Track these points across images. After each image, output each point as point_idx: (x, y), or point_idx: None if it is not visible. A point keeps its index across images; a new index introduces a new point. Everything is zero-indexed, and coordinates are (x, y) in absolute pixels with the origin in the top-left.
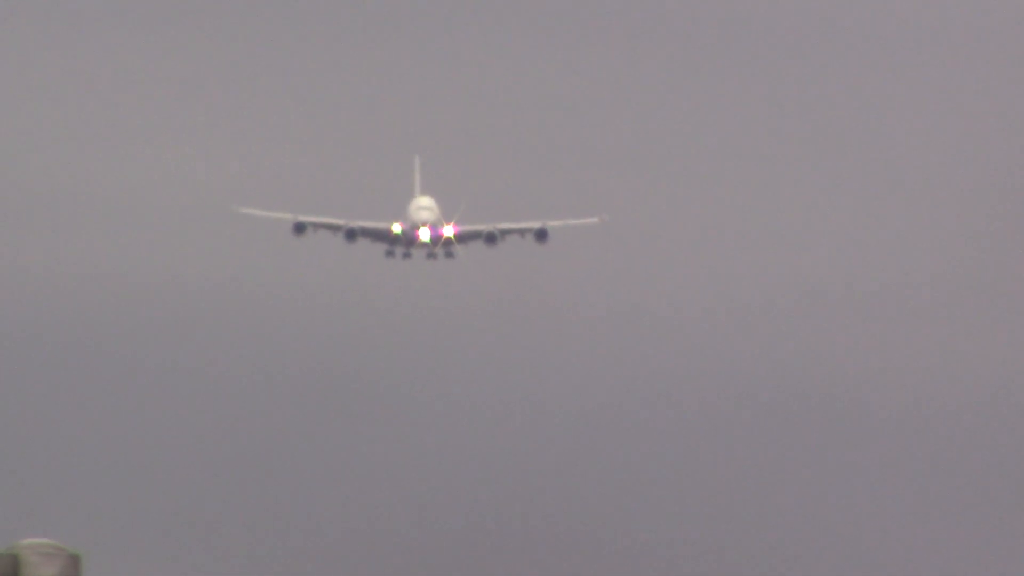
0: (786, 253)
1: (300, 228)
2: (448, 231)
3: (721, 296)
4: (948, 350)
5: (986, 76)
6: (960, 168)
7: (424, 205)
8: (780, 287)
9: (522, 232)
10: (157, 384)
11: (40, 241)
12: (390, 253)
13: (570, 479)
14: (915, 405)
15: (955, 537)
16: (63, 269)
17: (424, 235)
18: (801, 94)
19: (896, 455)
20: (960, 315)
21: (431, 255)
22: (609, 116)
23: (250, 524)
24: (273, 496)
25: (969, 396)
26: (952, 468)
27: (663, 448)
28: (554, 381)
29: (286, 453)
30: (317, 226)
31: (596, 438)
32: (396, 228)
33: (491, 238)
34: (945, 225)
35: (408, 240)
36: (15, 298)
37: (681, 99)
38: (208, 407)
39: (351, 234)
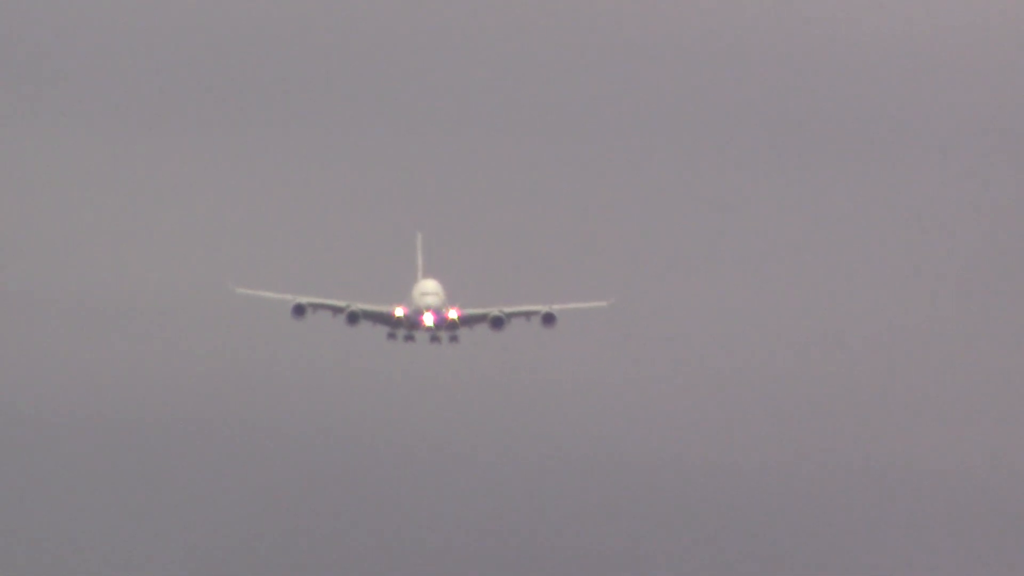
0: (795, 338)
1: (300, 310)
2: (452, 314)
3: (730, 382)
4: (958, 439)
5: (1001, 155)
6: (984, 262)
7: (428, 290)
8: (788, 372)
9: (528, 315)
10: (153, 468)
11: (40, 325)
12: (392, 336)
13: (573, 563)
14: (921, 494)
15: None
16: (58, 354)
17: (428, 320)
18: (810, 178)
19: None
20: (971, 412)
21: (435, 339)
22: (617, 199)
23: None
24: None
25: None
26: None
27: (669, 535)
28: (560, 468)
29: (284, 537)
30: (317, 308)
31: (601, 525)
32: (399, 312)
33: (497, 322)
34: (959, 321)
35: (412, 324)
36: (17, 383)
37: (690, 183)
38: (204, 493)
39: (353, 317)
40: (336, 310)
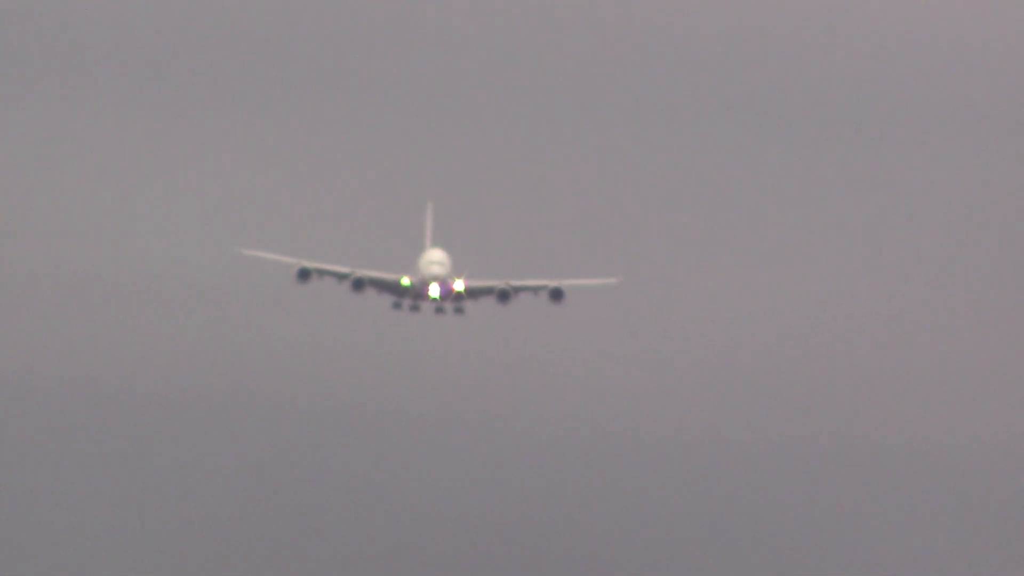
0: (803, 318)
1: (305, 274)
2: (459, 286)
3: (738, 361)
4: (964, 420)
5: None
6: (984, 252)
7: (435, 259)
8: (796, 348)
9: (536, 290)
10: (152, 433)
11: (43, 289)
12: (397, 305)
13: (576, 538)
14: (926, 474)
15: None
16: (62, 317)
17: (434, 290)
18: (821, 159)
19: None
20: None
21: (440, 310)
22: (630, 177)
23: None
24: (272, 551)
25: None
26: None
27: (674, 510)
28: (563, 444)
29: (285, 504)
30: (323, 273)
31: (604, 501)
32: (405, 280)
33: (504, 295)
34: (962, 299)
35: (417, 293)
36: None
37: (702, 162)
38: (203, 460)
39: (358, 284)
40: (341, 276)
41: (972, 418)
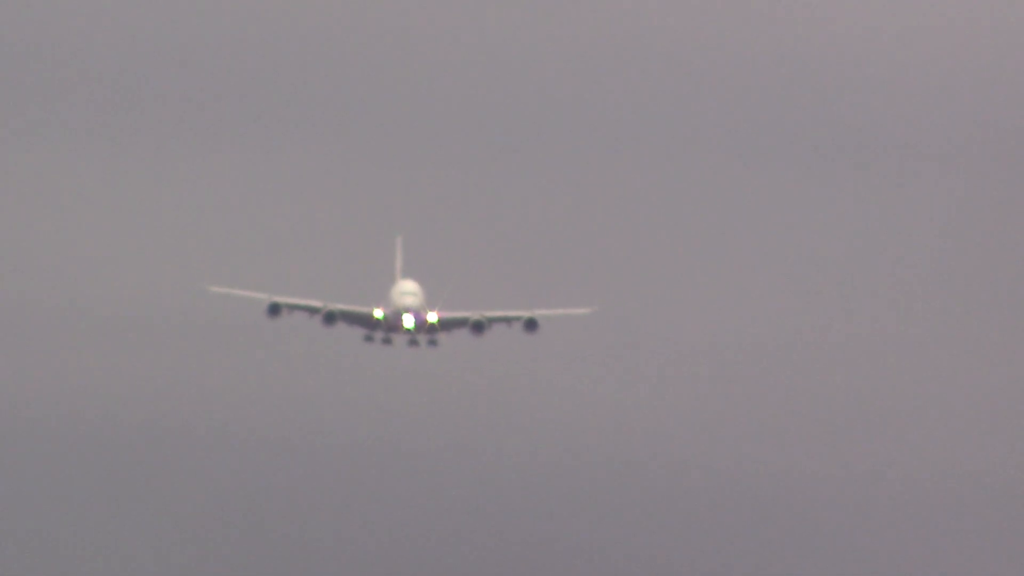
0: (778, 347)
1: (275, 309)
2: (432, 318)
3: (712, 391)
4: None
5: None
6: (977, 267)
7: (408, 290)
8: (772, 381)
9: (510, 321)
10: (119, 470)
11: (8, 325)
12: (369, 339)
13: (550, 568)
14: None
15: None
16: (27, 354)
17: (407, 321)
18: (794, 186)
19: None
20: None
21: (413, 342)
22: (602, 206)
23: None
24: None
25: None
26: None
27: (651, 542)
28: (537, 477)
29: (254, 539)
30: (293, 308)
31: (583, 535)
32: (378, 313)
33: (478, 327)
34: (938, 326)
35: (390, 326)
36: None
37: (675, 192)
38: (171, 496)
39: (330, 317)
40: (312, 311)
41: (968, 443)
